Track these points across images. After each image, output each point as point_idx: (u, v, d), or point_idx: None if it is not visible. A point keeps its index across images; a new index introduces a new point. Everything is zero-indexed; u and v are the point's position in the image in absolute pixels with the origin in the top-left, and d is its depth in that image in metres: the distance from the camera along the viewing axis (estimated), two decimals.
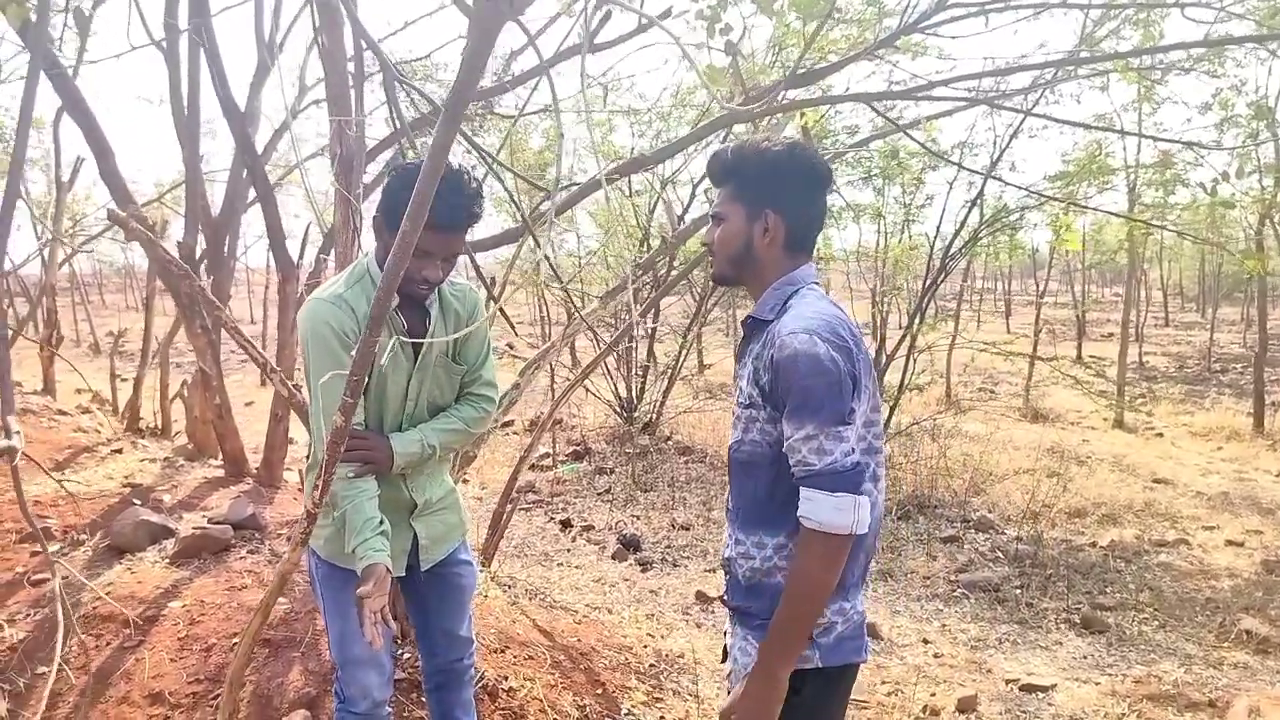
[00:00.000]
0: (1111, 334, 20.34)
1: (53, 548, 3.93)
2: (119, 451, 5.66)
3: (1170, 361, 18.81)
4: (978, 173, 4.99)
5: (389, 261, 1.47)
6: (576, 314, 3.14)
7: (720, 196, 1.71)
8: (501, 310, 2.66)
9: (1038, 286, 20.55)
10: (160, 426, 7.24)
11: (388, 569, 1.88)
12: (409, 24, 5.05)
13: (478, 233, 2.62)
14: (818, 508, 1.46)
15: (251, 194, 5.22)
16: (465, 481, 8.17)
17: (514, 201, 1.99)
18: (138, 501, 4.41)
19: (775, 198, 1.63)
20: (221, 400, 4.90)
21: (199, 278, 4.42)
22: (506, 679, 3.28)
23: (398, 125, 2.67)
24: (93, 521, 4.19)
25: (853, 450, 1.48)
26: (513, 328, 2.67)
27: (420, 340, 2.02)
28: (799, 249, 1.68)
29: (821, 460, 1.46)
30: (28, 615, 3.36)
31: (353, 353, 1.62)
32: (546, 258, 2.67)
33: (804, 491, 1.49)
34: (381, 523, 1.95)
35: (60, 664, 3.02)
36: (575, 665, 3.67)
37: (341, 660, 2.18)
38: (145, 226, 4.33)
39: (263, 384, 12.83)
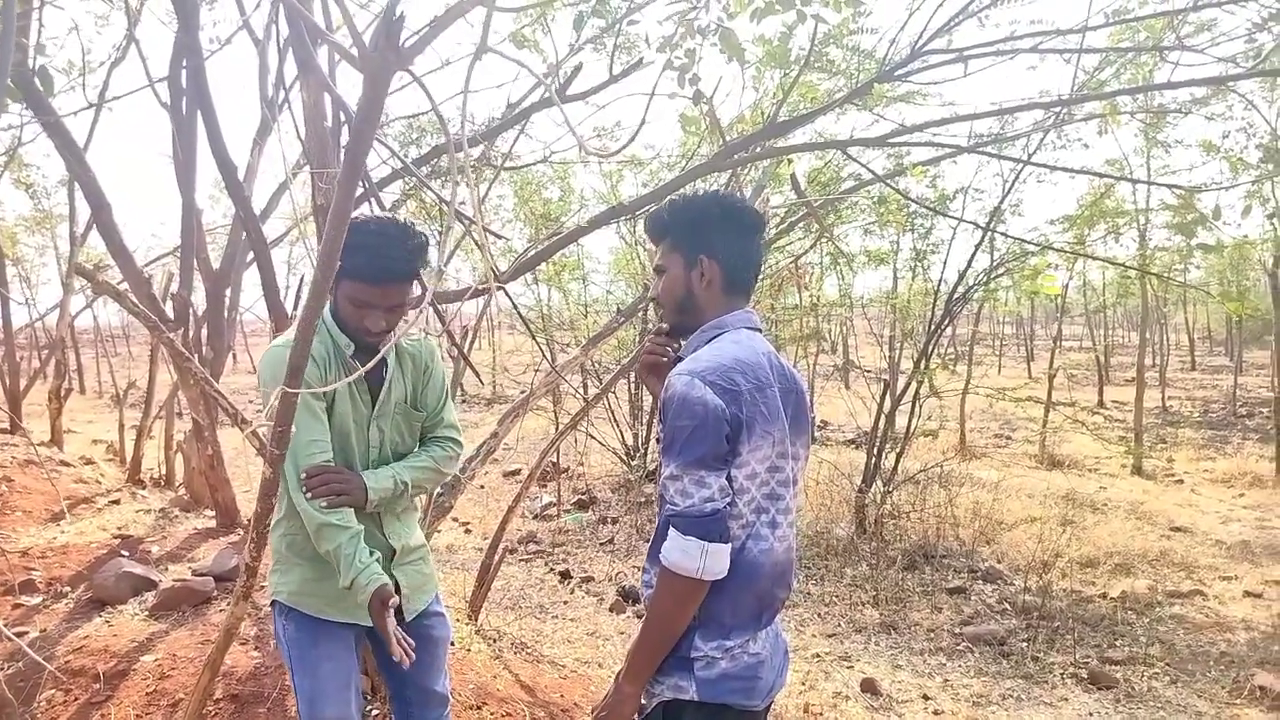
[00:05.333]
0: (1134, 378, 20.04)
1: (35, 600, 3.94)
2: (117, 502, 5.70)
3: (1195, 406, 18.46)
4: (971, 223, 4.97)
5: (302, 309, 1.48)
6: (549, 364, 3.13)
7: (661, 251, 1.80)
8: (467, 360, 2.67)
9: (1058, 330, 20.41)
10: (165, 477, 7.29)
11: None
12: (404, 85, 5.15)
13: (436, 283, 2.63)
14: (671, 547, 1.52)
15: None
16: (468, 532, 8.13)
17: (485, 253, 1.99)
18: (125, 553, 4.42)
19: (708, 244, 1.71)
20: (214, 450, 4.92)
21: (190, 329, 4.47)
22: None
23: (366, 186, 2.70)
24: (78, 573, 4.19)
25: (714, 497, 1.51)
26: (478, 376, 2.67)
27: (347, 383, 2.03)
28: (735, 291, 1.75)
29: (684, 502, 1.52)
30: (2, 668, 3.34)
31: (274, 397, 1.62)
32: (516, 309, 2.69)
33: (669, 529, 1.54)
34: (373, 552, 1.95)
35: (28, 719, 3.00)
36: None
37: None
38: (144, 282, 4.41)
39: None
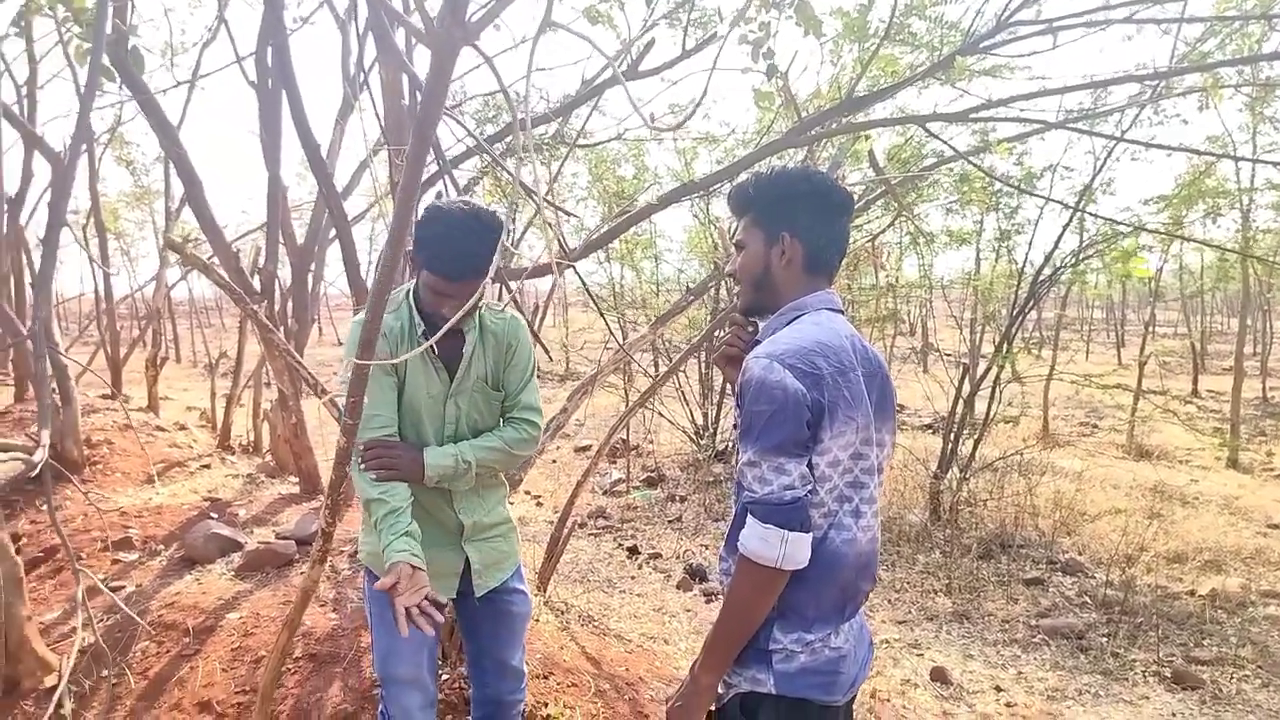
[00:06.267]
0: (1232, 367, 19.01)
1: (132, 556, 4.17)
2: (207, 467, 5.97)
3: None
4: (1059, 202, 4.78)
5: (373, 285, 1.51)
6: (617, 342, 3.14)
7: (742, 225, 1.73)
8: (536, 336, 2.70)
9: (1151, 315, 19.52)
10: (253, 444, 7.60)
11: (414, 566, 1.88)
12: (480, 64, 5.19)
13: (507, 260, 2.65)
14: (750, 535, 1.47)
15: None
16: (539, 505, 8.26)
17: (555, 233, 2.01)
18: (214, 515, 4.63)
19: (792, 221, 1.64)
20: (297, 419, 5.11)
21: (275, 302, 4.64)
22: (545, 706, 3.27)
23: (440, 164, 2.74)
24: (171, 533, 4.42)
25: (794, 485, 1.46)
26: (547, 353, 2.69)
27: (403, 350, 2.06)
28: (818, 272, 1.68)
29: (762, 489, 1.46)
30: (101, 620, 3.55)
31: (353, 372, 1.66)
32: (585, 287, 2.70)
33: (747, 516, 1.49)
34: (409, 526, 1.97)
35: (123, 668, 3.18)
36: (620, 695, 3.63)
37: (385, 678, 2.21)
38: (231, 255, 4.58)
39: None
